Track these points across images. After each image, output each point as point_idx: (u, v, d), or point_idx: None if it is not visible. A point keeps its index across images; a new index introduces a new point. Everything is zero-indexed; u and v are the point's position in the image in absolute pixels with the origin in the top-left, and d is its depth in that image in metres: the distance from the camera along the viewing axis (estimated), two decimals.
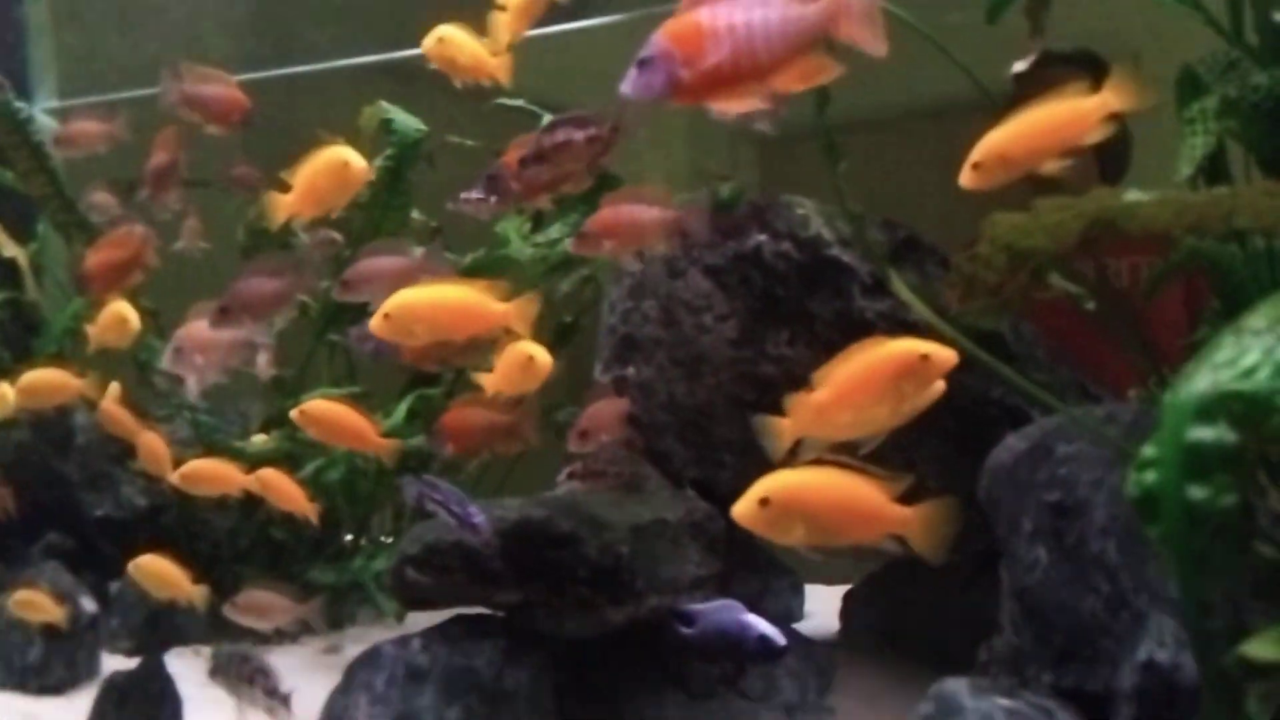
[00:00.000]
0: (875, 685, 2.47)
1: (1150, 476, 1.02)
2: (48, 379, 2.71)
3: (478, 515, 2.05)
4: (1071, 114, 1.52)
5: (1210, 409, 0.98)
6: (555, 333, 3.37)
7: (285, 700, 2.03)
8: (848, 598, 2.85)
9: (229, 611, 2.45)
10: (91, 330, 2.68)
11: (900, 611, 2.67)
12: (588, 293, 3.25)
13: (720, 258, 2.42)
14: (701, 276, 2.45)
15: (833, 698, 2.43)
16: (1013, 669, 1.85)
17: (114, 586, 2.98)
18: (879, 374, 1.56)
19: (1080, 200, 1.49)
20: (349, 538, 3.11)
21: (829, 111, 1.99)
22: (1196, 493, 0.98)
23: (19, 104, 3.19)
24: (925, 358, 1.55)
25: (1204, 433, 0.98)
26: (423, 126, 3.04)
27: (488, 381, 2.19)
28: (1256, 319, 1.06)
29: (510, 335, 2.01)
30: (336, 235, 3.01)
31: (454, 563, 2.20)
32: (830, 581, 3.09)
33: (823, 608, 3.01)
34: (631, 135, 1.96)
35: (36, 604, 2.57)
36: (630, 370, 2.55)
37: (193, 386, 2.57)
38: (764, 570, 2.81)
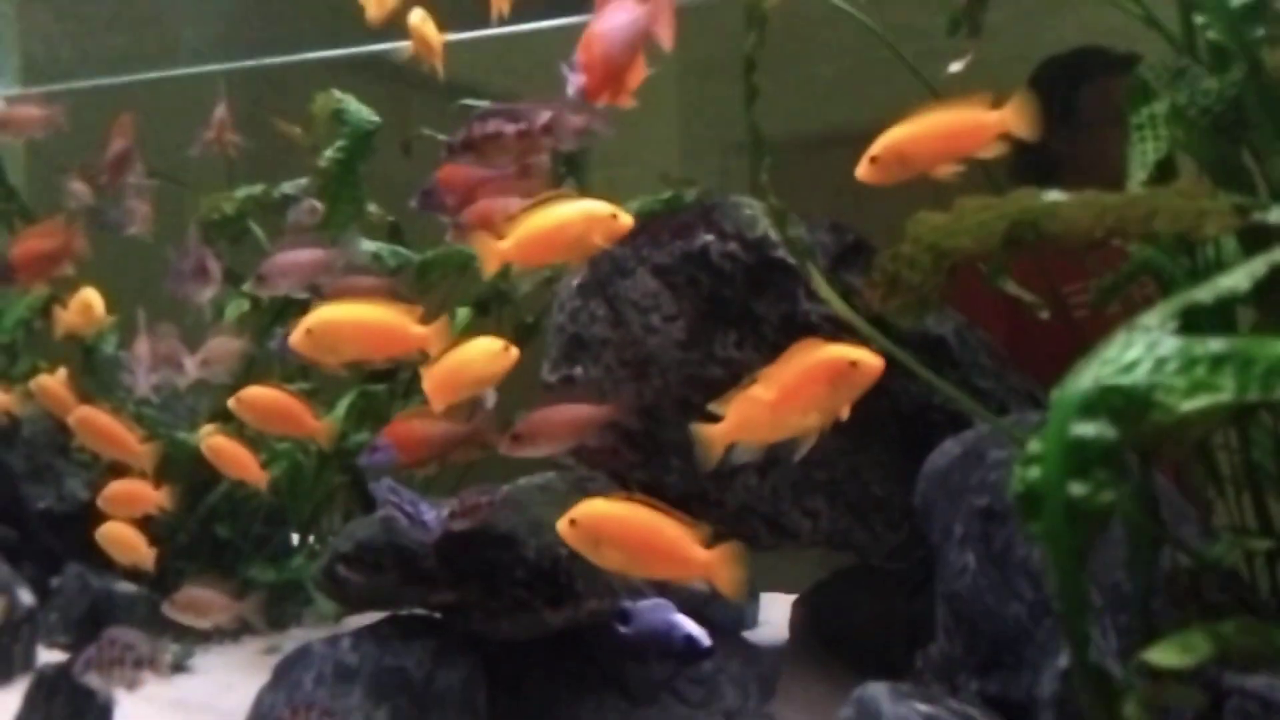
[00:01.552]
0: (818, 692, 2.44)
1: (1033, 473, 0.99)
2: None
3: (428, 513, 2.04)
4: (972, 125, 1.54)
5: (1092, 404, 0.96)
6: (516, 333, 3.35)
7: (154, 662, 2.00)
8: (796, 605, 2.82)
9: (167, 609, 2.42)
10: (59, 315, 2.68)
11: (847, 619, 2.64)
12: (548, 294, 3.23)
13: (668, 257, 2.40)
14: (649, 276, 2.43)
15: (774, 704, 2.40)
16: (944, 676, 1.83)
17: (53, 581, 2.94)
18: (809, 380, 1.58)
19: (1002, 200, 1.47)
20: (295, 538, 3.08)
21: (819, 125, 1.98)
22: (1077, 489, 0.96)
23: None
24: (854, 364, 1.56)
25: (1085, 428, 0.96)
26: (375, 118, 3.01)
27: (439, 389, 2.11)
28: (1151, 316, 1.04)
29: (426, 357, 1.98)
30: (319, 204, 2.94)
31: (386, 561, 2.17)
32: (790, 590, 3.07)
33: (778, 615, 2.98)
34: (566, 138, 1.94)
35: None
36: (578, 370, 2.53)
37: (190, 369, 2.55)
38: None
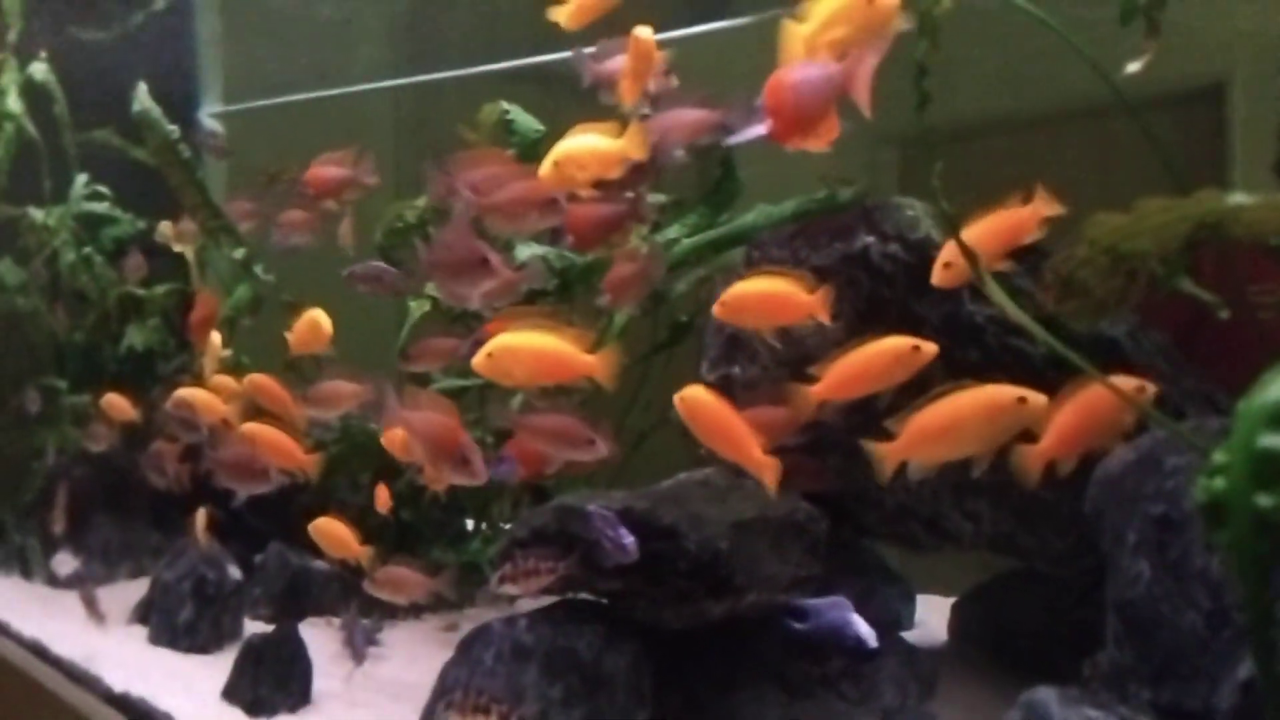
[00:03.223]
0: (978, 695, 2.43)
1: (1219, 483, 1.00)
2: (201, 398, 2.97)
3: (627, 538, 2.12)
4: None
5: None
6: (670, 331, 3.45)
7: None
8: (956, 608, 2.81)
9: (369, 586, 2.58)
10: (291, 338, 2.93)
11: (1009, 624, 2.61)
12: (703, 293, 3.30)
13: (827, 258, 2.43)
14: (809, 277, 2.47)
15: (933, 705, 2.41)
16: (1114, 684, 1.80)
17: (257, 558, 3.23)
18: (974, 414, 1.67)
19: (1184, 202, 1.45)
20: (469, 523, 3.27)
21: (972, 110, 2.05)
22: (1264, 500, 0.96)
23: (170, 127, 3.52)
24: (1022, 400, 1.65)
25: (1274, 440, 0.96)
26: (541, 127, 3.15)
27: None
28: None
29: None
30: None
31: (559, 548, 2.30)
32: (945, 593, 3.05)
33: (934, 617, 2.97)
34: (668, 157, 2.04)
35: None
36: (735, 369, 2.59)
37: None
38: (869, 574, 2.80)
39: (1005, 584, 2.68)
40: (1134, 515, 1.77)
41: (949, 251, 1.89)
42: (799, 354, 2.52)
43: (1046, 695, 1.61)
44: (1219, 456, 1.01)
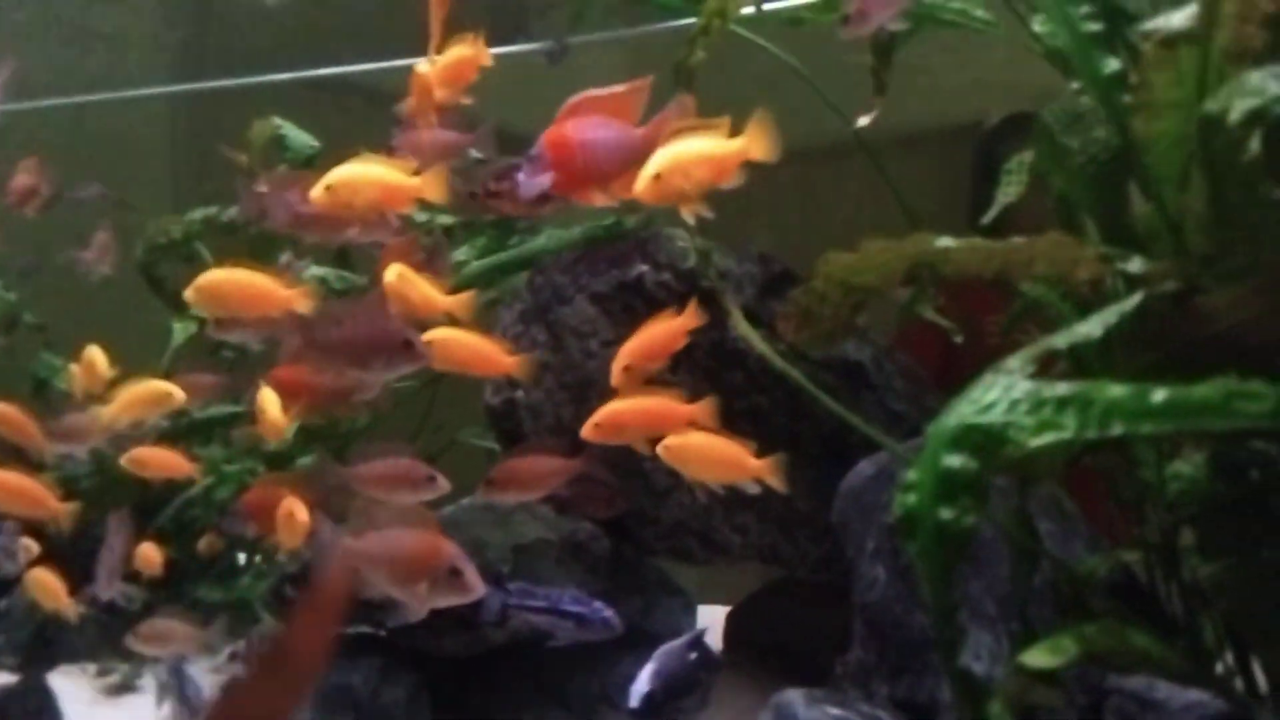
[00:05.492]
0: (749, 700, 2.56)
1: (911, 499, 1.12)
2: None
3: (606, 610, 2.02)
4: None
5: (958, 439, 1.10)
6: None
7: None
8: (730, 617, 2.94)
9: (131, 641, 2.40)
10: (74, 375, 2.77)
11: (777, 629, 2.77)
12: (493, 315, 3.32)
13: (605, 285, 2.52)
14: (588, 303, 2.54)
15: (707, 713, 2.51)
16: (860, 682, 1.96)
17: (1, 603, 2.96)
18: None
19: (902, 243, 1.61)
20: (242, 557, 3.14)
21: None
22: (945, 513, 1.09)
23: None
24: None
25: (953, 460, 1.09)
26: (315, 143, 3.08)
27: None
28: (1014, 360, 1.18)
29: None
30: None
31: None
32: (727, 602, 3.19)
33: (714, 627, 3.10)
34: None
35: None
36: (519, 393, 2.63)
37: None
38: (651, 589, 2.89)
39: (772, 592, 2.83)
40: (871, 524, 1.93)
41: (625, 354, 2.08)
42: (580, 377, 2.59)
43: (793, 696, 1.74)
44: (911, 474, 1.14)
